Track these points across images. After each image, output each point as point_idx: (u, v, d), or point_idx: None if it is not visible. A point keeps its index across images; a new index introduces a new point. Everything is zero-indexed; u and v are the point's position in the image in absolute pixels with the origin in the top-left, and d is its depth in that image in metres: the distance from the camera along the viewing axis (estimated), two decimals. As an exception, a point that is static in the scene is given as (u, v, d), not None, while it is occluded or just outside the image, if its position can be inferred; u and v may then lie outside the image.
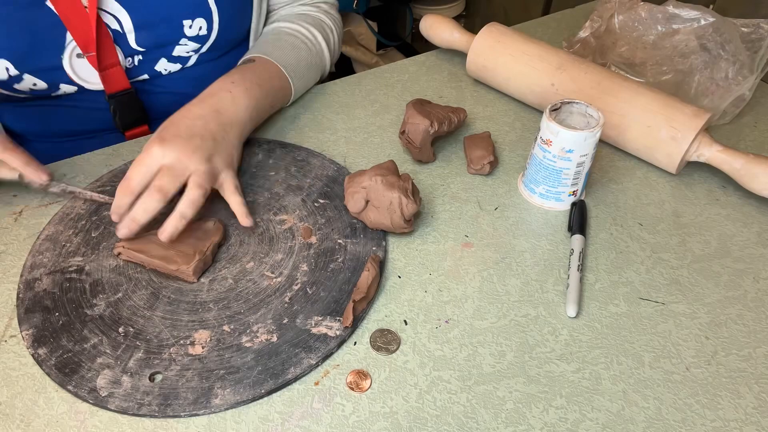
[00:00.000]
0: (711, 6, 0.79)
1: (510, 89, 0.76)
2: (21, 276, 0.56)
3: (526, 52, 0.73)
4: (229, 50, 0.77)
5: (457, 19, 1.92)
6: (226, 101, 0.63)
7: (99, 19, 0.65)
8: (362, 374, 0.49)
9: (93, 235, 0.60)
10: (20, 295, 0.54)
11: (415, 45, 1.89)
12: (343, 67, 1.72)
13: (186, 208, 0.55)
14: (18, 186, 0.66)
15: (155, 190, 0.55)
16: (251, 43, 0.80)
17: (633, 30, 0.79)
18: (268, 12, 0.81)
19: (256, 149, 0.69)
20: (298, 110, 0.76)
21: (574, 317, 0.54)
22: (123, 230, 0.55)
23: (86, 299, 0.54)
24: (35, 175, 0.60)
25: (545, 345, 0.52)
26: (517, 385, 0.49)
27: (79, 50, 0.66)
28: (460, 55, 0.84)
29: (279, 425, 0.46)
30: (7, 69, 0.63)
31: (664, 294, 0.56)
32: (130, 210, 0.55)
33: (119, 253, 0.57)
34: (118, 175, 0.66)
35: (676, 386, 0.49)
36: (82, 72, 0.68)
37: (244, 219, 0.58)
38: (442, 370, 0.50)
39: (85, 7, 0.64)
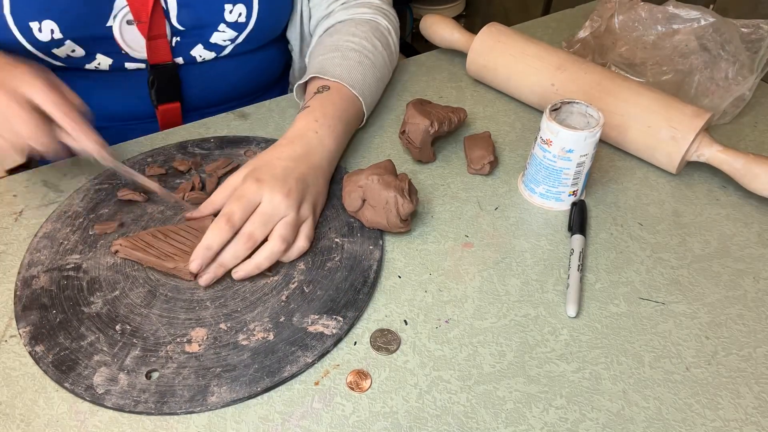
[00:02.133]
0: (711, 6, 0.79)
1: (510, 89, 0.76)
2: (18, 273, 0.56)
3: (526, 52, 0.73)
4: (263, 45, 0.78)
5: (457, 19, 1.92)
6: (314, 142, 0.62)
7: None
8: (362, 374, 0.49)
9: (90, 233, 0.59)
10: (18, 293, 0.54)
11: (415, 45, 1.89)
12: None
13: (264, 260, 0.54)
14: (18, 186, 0.65)
15: (246, 237, 0.54)
16: (293, 43, 0.81)
17: (633, 30, 0.79)
18: (312, 12, 0.79)
19: (254, 148, 0.69)
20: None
21: (574, 317, 0.53)
22: (208, 276, 0.54)
23: (83, 297, 0.54)
24: (94, 148, 0.57)
25: (545, 345, 0.51)
26: (517, 385, 0.49)
27: (130, 17, 0.67)
28: (460, 55, 0.84)
29: (279, 425, 0.46)
30: (52, 31, 0.64)
31: (664, 294, 0.55)
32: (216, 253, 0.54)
33: (116, 251, 0.57)
34: (117, 173, 0.66)
35: (676, 386, 0.49)
36: (129, 39, 0.69)
37: (285, 259, 0.57)
38: (442, 370, 0.50)
39: None
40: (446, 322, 0.53)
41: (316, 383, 0.49)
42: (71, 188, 0.65)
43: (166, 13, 0.69)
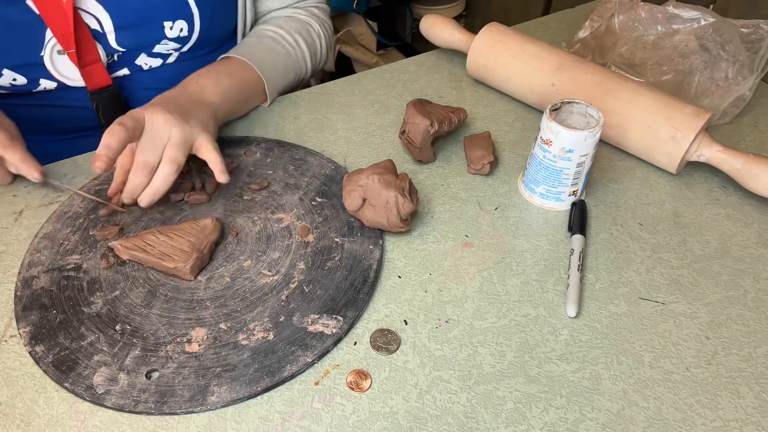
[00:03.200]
0: (711, 6, 0.79)
1: (510, 89, 0.76)
2: (19, 274, 0.56)
3: (526, 52, 0.73)
4: (212, 50, 0.77)
5: (457, 19, 1.92)
6: (195, 87, 0.66)
7: (78, 17, 0.65)
8: (362, 374, 0.49)
9: (91, 233, 0.59)
10: (18, 293, 0.54)
11: (415, 45, 1.89)
12: (343, 67, 1.72)
13: (161, 184, 0.58)
14: (18, 186, 0.65)
15: (141, 166, 0.57)
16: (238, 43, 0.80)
17: (633, 30, 0.79)
18: (259, 14, 0.81)
19: (254, 148, 0.69)
20: (298, 110, 0.76)
21: (574, 317, 0.53)
22: (120, 202, 0.59)
23: (83, 297, 0.54)
24: (28, 172, 0.60)
25: (545, 345, 0.51)
26: (517, 385, 0.49)
27: (59, 47, 0.66)
28: (460, 55, 0.84)
29: (279, 425, 0.46)
30: None
31: (664, 294, 0.55)
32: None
33: (116, 250, 0.57)
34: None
35: (676, 386, 0.49)
36: (62, 69, 0.68)
37: (220, 175, 0.59)
38: (442, 370, 0.50)
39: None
40: (446, 322, 0.53)
41: (316, 383, 0.49)
42: (71, 189, 0.65)
43: (103, 36, 0.68)
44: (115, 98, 0.73)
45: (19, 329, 0.51)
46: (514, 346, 0.51)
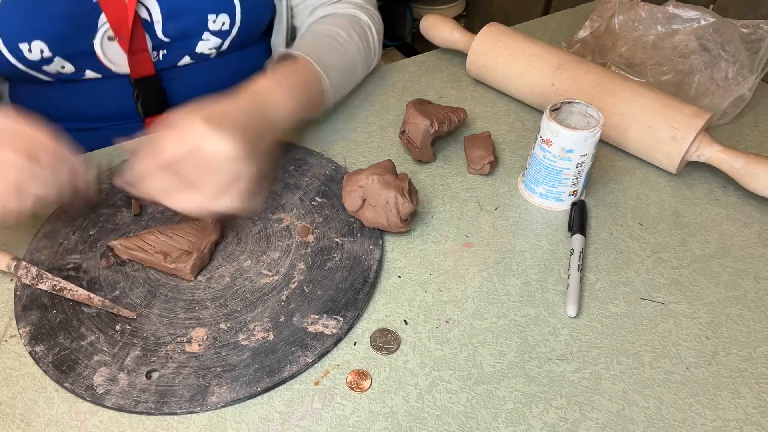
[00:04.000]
0: (711, 6, 0.79)
1: (510, 89, 0.76)
2: (18, 274, 0.56)
3: (526, 52, 0.73)
4: (246, 46, 0.78)
5: (457, 19, 1.92)
6: (271, 101, 0.59)
7: (132, 5, 0.66)
8: (362, 374, 0.49)
9: (90, 232, 0.59)
10: (18, 293, 0.54)
11: (415, 45, 1.89)
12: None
13: (192, 209, 0.51)
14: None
15: (173, 173, 0.50)
16: (273, 40, 0.81)
17: (633, 30, 0.79)
18: (295, 11, 0.79)
19: (255, 148, 0.69)
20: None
21: (574, 317, 0.53)
22: (136, 192, 0.52)
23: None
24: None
25: (545, 345, 0.51)
26: (518, 385, 0.49)
27: (111, 33, 0.67)
28: (460, 55, 0.84)
29: (279, 425, 0.46)
30: (42, 51, 0.64)
31: (664, 294, 0.55)
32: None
33: (116, 250, 0.56)
34: (116, 173, 0.66)
35: (676, 386, 0.49)
36: (111, 54, 0.69)
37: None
38: (442, 370, 0.50)
39: None
40: (446, 322, 0.53)
41: (316, 383, 0.49)
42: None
43: (151, 26, 0.69)
44: (157, 89, 0.74)
45: (19, 329, 0.51)
46: (514, 346, 0.51)
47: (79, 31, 0.66)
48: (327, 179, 0.65)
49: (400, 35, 1.93)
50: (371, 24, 0.77)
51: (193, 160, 0.49)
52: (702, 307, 0.54)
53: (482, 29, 0.77)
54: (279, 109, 0.59)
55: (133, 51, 0.70)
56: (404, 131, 0.67)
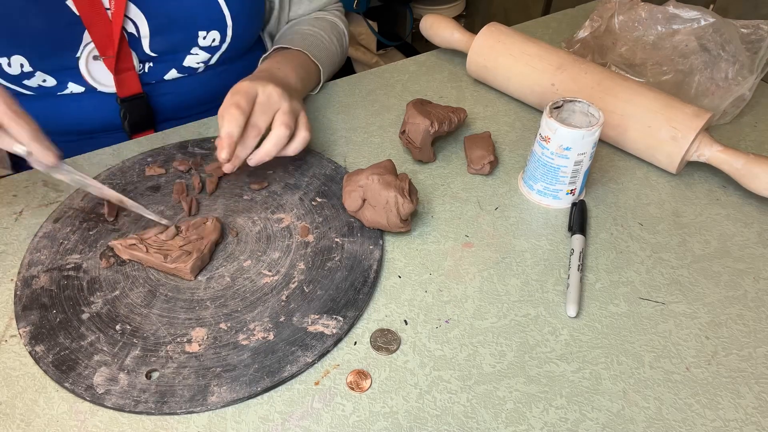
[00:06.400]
0: (711, 6, 0.79)
1: (510, 89, 0.76)
2: (19, 273, 0.56)
3: (526, 52, 0.73)
4: (235, 60, 0.78)
5: (457, 19, 1.92)
6: (281, 74, 0.66)
7: (118, 23, 0.65)
8: (362, 374, 0.49)
9: (90, 232, 0.59)
10: (18, 293, 0.54)
11: (415, 45, 1.89)
12: (343, 67, 1.72)
13: (272, 147, 0.58)
14: (18, 186, 0.65)
15: (252, 128, 0.58)
16: (268, 49, 0.83)
17: (633, 30, 0.79)
18: (288, 20, 0.84)
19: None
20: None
21: (575, 317, 0.53)
22: (229, 166, 0.57)
23: (83, 297, 0.54)
24: (42, 153, 0.51)
25: (545, 345, 0.51)
26: (518, 385, 0.49)
27: (96, 52, 0.66)
28: (460, 55, 0.84)
29: (279, 425, 0.46)
30: (22, 65, 0.63)
31: (665, 294, 0.55)
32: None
33: (116, 250, 0.57)
34: (116, 173, 0.66)
35: (676, 386, 0.49)
36: (96, 74, 0.69)
37: (299, 147, 0.61)
38: (442, 370, 0.50)
39: (107, 9, 0.64)
40: (446, 322, 0.53)
41: (316, 383, 0.49)
42: (71, 188, 0.65)
43: (138, 40, 0.68)
44: (144, 106, 0.73)
45: (19, 329, 0.51)
46: (514, 346, 0.51)
47: (61, 46, 0.65)
48: (327, 179, 0.65)
49: (400, 35, 1.93)
50: (345, 31, 0.86)
51: (262, 108, 0.58)
52: (702, 307, 0.54)
53: (482, 29, 0.77)
54: (289, 79, 0.66)
55: (119, 70, 0.68)
56: (404, 131, 0.67)
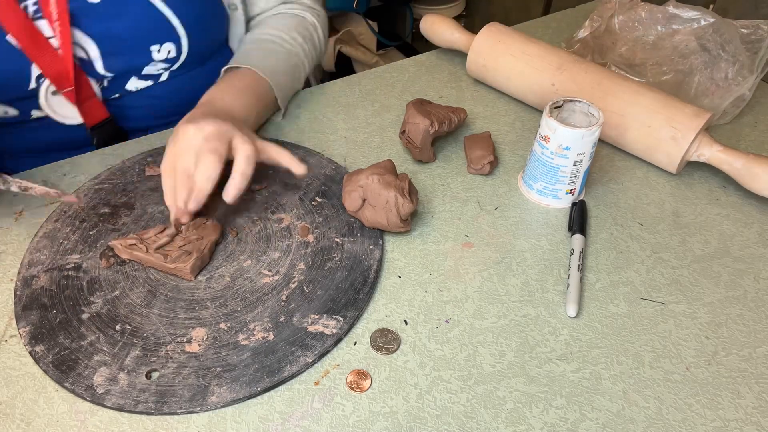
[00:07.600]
0: (711, 6, 0.79)
1: (510, 89, 0.76)
2: (19, 273, 0.56)
3: (526, 52, 0.73)
4: (203, 62, 0.75)
5: (457, 19, 1.92)
6: (221, 104, 0.63)
7: (70, 54, 0.63)
8: (362, 374, 0.49)
9: (90, 232, 0.59)
10: (18, 293, 0.54)
11: (415, 45, 1.89)
12: (343, 67, 1.72)
13: (245, 164, 0.55)
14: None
15: (182, 174, 0.54)
16: (234, 49, 0.79)
17: (633, 30, 0.79)
18: (252, 17, 0.80)
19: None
20: (298, 110, 0.76)
21: (575, 317, 0.53)
22: (193, 205, 0.55)
23: (83, 297, 0.54)
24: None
25: (545, 345, 0.51)
26: (518, 385, 0.49)
27: (53, 88, 0.64)
28: (460, 55, 0.84)
29: (279, 425, 0.46)
30: None
31: (665, 294, 0.55)
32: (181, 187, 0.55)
33: (116, 250, 0.57)
34: (116, 173, 0.66)
35: (676, 386, 0.49)
36: (59, 108, 0.67)
37: (297, 168, 0.59)
38: (442, 370, 0.50)
39: (50, 38, 0.62)
40: (446, 322, 0.53)
41: (316, 383, 0.49)
42: (71, 188, 0.65)
43: (89, 63, 0.66)
44: (113, 128, 0.72)
45: (19, 329, 0.51)
46: (514, 346, 0.51)
47: (11, 80, 0.62)
48: (327, 179, 0.65)
49: (400, 35, 1.93)
50: (317, 23, 0.80)
51: (182, 151, 0.55)
52: (702, 307, 0.54)
53: (482, 29, 0.77)
54: (233, 109, 0.63)
55: (81, 101, 0.67)
56: (404, 131, 0.67)
